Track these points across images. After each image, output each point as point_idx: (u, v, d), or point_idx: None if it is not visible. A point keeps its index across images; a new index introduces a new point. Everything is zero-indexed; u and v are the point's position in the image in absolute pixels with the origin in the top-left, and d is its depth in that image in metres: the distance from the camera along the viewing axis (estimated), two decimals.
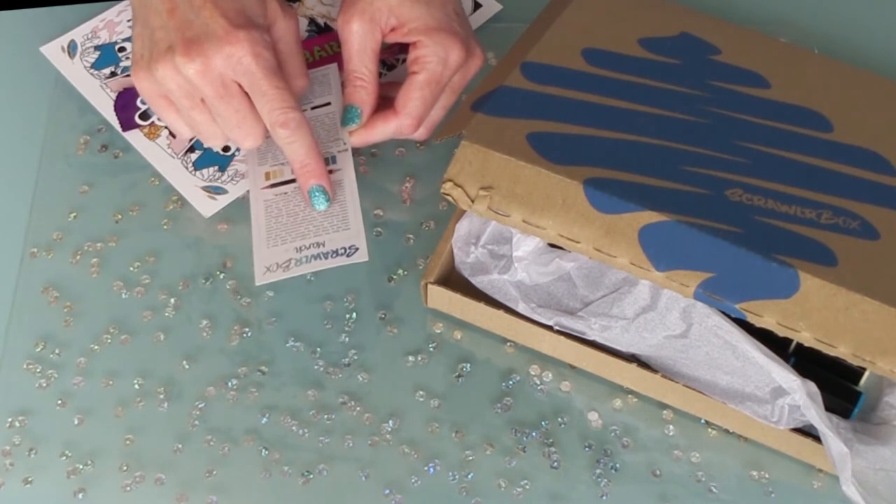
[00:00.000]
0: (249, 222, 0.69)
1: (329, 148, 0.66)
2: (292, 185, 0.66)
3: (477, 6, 0.78)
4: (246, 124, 0.63)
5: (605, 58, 0.65)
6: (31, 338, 0.66)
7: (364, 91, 0.66)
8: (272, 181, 0.66)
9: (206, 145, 0.65)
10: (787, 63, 0.67)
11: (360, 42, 0.65)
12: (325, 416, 0.64)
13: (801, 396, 0.57)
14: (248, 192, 0.70)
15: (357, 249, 0.63)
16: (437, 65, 0.65)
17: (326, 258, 0.63)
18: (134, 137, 0.72)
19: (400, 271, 0.69)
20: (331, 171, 0.66)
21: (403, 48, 0.73)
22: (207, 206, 0.70)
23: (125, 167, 0.72)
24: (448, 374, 0.65)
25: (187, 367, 0.65)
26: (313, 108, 0.69)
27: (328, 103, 0.68)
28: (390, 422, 0.64)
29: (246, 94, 0.62)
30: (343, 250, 0.63)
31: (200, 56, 0.60)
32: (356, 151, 0.67)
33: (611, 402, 0.64)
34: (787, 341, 0.60)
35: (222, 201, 0.70)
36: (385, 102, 0.67)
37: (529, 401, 0.65)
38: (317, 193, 0.64)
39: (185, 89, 0.62)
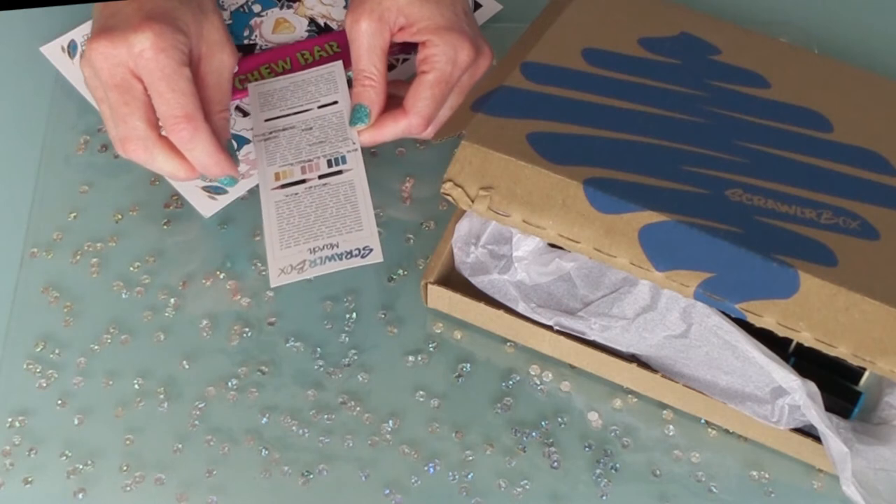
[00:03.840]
0: (249, 222, 0.70)
1: (338, 148, 0.66)
2: (303, 185, 0.66)
3: (477, 6, 0.78)
4: (131, 121, 0.60)
5: (605, 58, 0.65)
6: (31, 338, 0.66)
7: (373, 90, 0.66)
8: (282, 182, 0.66)
9: (122, 155, 0.63)
10: (787, 63, 0.67)
11: (368, 41, 0.65)
12: (325, 416, 0.64)
13: (801, 396, 0.57)
14: (247, 192, 0.70)
15: (371, 251, 0.62)
16: (447, 64, 0.65)
17: (341, 259, 0.62)
18: None
19: (400, 271, 0.69)
20: (340, 172, 0.66)
21: (404, 48, 0.73)
22: (207, 206, 0.70)
23: (125, 167, 0.72)
24: (448, 374, 0.65)
25: (187, 367, 0.65)
26: (320, 106, 0.68)
27: (335, 102, 0.68)
28: (390, 422, 0.64)
29: (146, 101, 0.61)
30: (357, 251, 0.62)
31: (105, 41, 0.59)
32: None
33: (611, 402, 0.64)
34: (787, 341, 0.60)
35: (222, 201, 0.70)
36: (392, 101, 0.67)
37: (529, 401, 0.65)
38: (225, 182, 0.66)
39: (91, 78, 0.61)
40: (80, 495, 0.61)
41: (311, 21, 0.77)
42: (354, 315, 0.67)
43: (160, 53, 0.59)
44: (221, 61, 0.64)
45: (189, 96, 0.60)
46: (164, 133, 0.62)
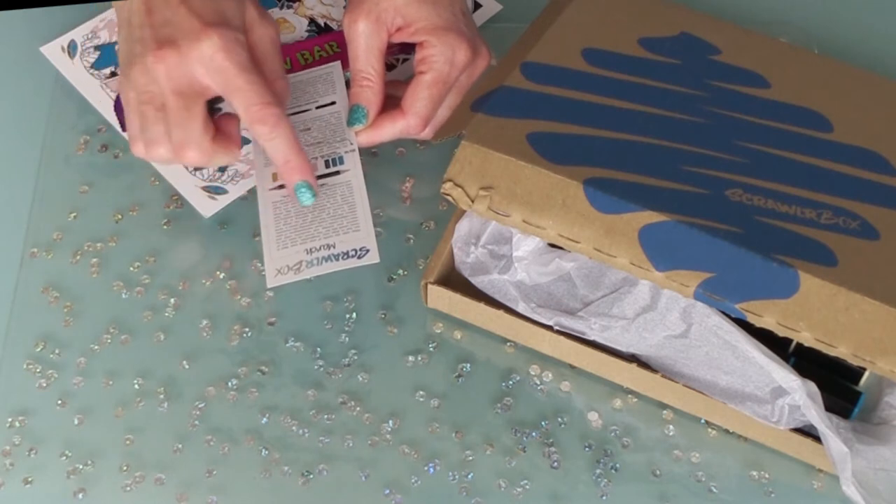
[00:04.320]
0: (249, 222, 0.70)
1: (335, 148, 0.66)
2: None
3: (477, 6, 0.78)
4: (192, 127, 0.61)
5: (605, 58, 0.65)
6: (31, 338, 0.66)
7: (370, 91, 0.66)
8: (279, 182, 0.66)
9: (151, 155, 0.63)
10: (787, 63, 0.67)
11: (366, 42, 0.65)
12: (325, 416, 0.64)
13: (801, 396, 0.57)
14: (247, 192, 0.70)
15: (368, 251, 0.63)
16: (444, 64, 0.65)
17: (337, 260, 0.63)
18: None
19: (400, 271, 0.69)
20: (338, 172, 0.66)
21: (403, 48, 0.73)
22: (207, 206, 0.70)
23: (125, 167, 0.72)
24: (448, 374, 0.65)
25: (187, 367, 0.65)
26: (318, 107, 0.68)
27: (333, 102, 0.68)
28: (390, 422, 0.64)
29: (205, 108, 0.61)
30: (354, 252, 0.63)
31: (171, 53, 0.59)
32: None
33: (611, 402, 0.64)
34: (787, 341, 0.60)
35: (222, 201, 0.70)
36: (390, 101, 0.67)
37: (529, 401, 0.65)
38: (302, 189, 0.63)
39: (149, 87, 0.61)
40: (80, 495, 0.61)
41: (311, 21, 0.77)
42: (354, 315, 0.67)
43: (230, 53, 0.60)
44: (263, 34, 0.64)
45: (265, 87, 0.61)
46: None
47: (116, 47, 0.74)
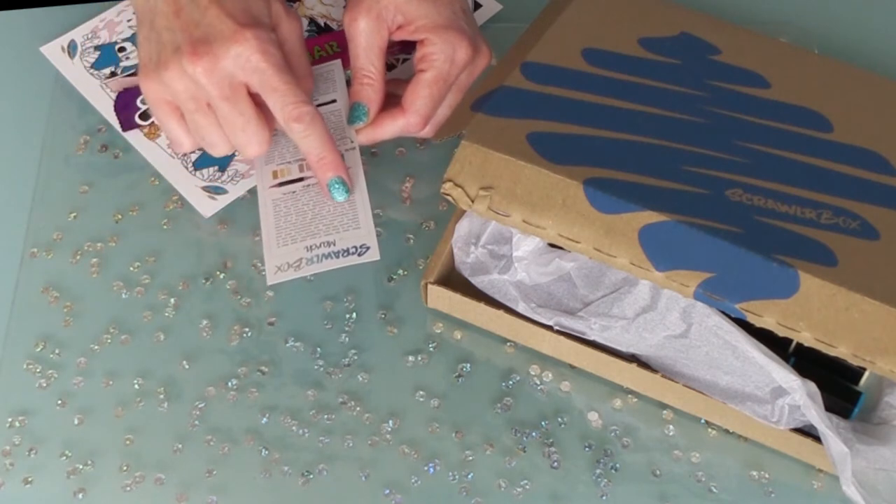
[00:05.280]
0: (249, 222, 0.70)
1: (336, 146, 0.66)
2: (300, 183, 0.66)
3: (477, 6, 0.78)
4: (250, 128, 0.62)
5: (605, 58, 0.65)
6: (31, 338, 0.66)
7: (371, 89, 0.66)
8: (280, 180, 0.66)
9: (210, 153, 0.64)
10: (787, 63, 0.67)
11: (366, 40, 0.65)
12: (325, 416, 0.64)
13: (801, 396, 0.57)
14: (247, 192, 0.70)
15: (368, 248, 0.63)
16: (445, 63, 0.65)
17: (338, 257, 0.63)
18: (134, 137, 0.72)
19: (400, 271, 0.69)
20: None
21: (404, 48, 0.73)
22: (207, 206, 0.70)
23: (125, 167, 0.72)
24: (448, 374, 0.65)
25: (187, 367, 0.65)
26: (319, 105, 0.68)
27: (333, 100, 0.68)
28: (390, 422, 0.64)
29: (252, 99, 0.62)
30: (354, 249, 0.63)
31: (208, 55, 0.60)
32: None
33: (611, 402, 0.64)
34: (787, 341, 0.60)
35: (222, 201, 0.70)
36: (391, 100, 0.67)
37: (529, 401, 0.65)
38: (336, 185, 0.64)
39: (191, 91, 0.61)
40: (80, 495, 0.61)
41: (312, 21, 0.77)
42: (354, 315, 0.67)
43: (266, 54, 0.60)
44: (290, 29, 0.65)
45: (298, 85, 0.62)
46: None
47: (136, 46, 0.74)
